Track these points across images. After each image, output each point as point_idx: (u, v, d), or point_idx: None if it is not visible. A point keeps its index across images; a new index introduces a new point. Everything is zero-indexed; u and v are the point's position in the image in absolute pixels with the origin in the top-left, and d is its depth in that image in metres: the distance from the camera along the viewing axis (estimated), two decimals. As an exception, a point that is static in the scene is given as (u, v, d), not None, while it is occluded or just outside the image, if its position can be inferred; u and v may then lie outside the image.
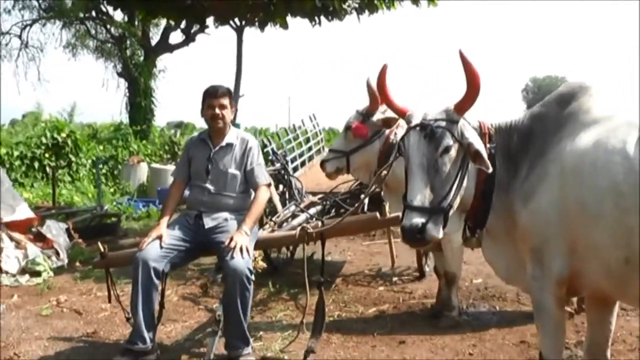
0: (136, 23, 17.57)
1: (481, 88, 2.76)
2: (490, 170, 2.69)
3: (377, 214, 3.93)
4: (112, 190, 12.07)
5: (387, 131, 4.69)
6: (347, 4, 8.31)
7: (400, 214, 3.81)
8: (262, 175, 4.16)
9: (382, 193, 5.07)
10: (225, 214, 4.07)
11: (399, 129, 4.69)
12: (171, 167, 12.80)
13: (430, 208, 2.67)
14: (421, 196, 2.67)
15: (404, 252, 7.69)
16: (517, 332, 4.69)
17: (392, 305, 5.43)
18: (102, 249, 4.24)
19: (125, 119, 16.79)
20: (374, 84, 4.61)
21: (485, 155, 2.71)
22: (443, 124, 2.76)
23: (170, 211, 4.14)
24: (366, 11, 8.71)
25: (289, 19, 8.66)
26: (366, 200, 5.91)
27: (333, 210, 5.93)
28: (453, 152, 2.75)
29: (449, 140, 2.73)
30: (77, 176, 11.78)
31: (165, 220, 4.03)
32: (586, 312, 3.19)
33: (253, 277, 3.77)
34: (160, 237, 3.89)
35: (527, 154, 2.87)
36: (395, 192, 4.78)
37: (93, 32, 18.62)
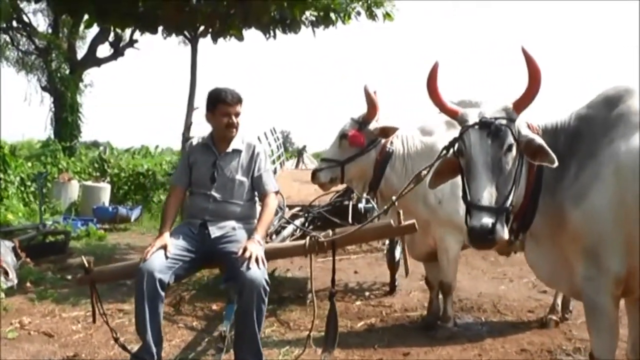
0: (61, 35, 16.88)
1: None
2: (556, 164, 2.65)
3: (392, 222, 3.81)
4: (42, 208, 11.38)
5: (383, 140, 4.60)
6: (304, 16, 8.20)
7: (413, 221, 3.82)
8: (271, 182, 3.97)
9: (376, 202, 4.96)
10: (232, 223, 3.85)
11: (395, 139, 4.62)
12: (104, 185, 12.27)
13: (497, 208, 2.60)
14: (489, 195, 2.60)
15: (365, 267, 7.68)
16: (512, 341, 4.67)
17: (378, 319, 5.32)
18: (85, 264, 3.92)
19: (50, 135, 15.99)
20: (371, 91, 4.54)
21: (549, 149, 2.66)
22: (504, 122, 2.69)
23: (171, 220, 3.87)
24: (322, 25, 8.64)
25: (243, 30, 8.49)
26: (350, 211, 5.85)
27: (318, 222, 5.76)
28: (514, 151, 2.70)
29: (511, 139, 2.68)
30: (6, 194, 11.04)
31: (167, 230, 3.76)
32: (628, 312, 3.17)
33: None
34: (164, 247, 3.61)
35: (574, 154, 2.85)
36: (390, 200, 4.70)
37: (15, 43, 17.68)
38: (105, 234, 9.87)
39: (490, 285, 6.63)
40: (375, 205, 6.15)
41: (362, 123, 4.58)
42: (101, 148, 16.43)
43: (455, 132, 4.77)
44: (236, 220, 3.87)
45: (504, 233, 2.62)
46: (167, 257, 3.58)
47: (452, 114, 2.92)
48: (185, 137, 8.08)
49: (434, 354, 4.38)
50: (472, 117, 2.80)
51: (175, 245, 3.67)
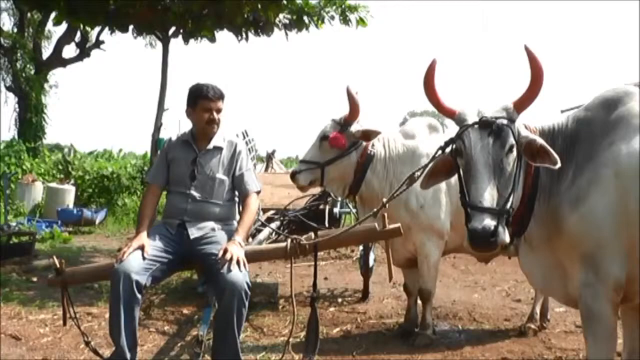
0: (26, 34, 16.43)
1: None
2: (559, 165, 2.55)
3: (376, 225, 3.69)
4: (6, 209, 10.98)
5: (365, 143, 4.48)
6: (277, 19, 8.08)
7: (398, 225, 3.71)
8: (253, 181, 3.81)
9: (356, 205, 4.84)
10: (212, 224, 3.68)
11: (377, 142, 4.50)
12: (69, 187, 11.90)
13: (498, 210, 2.49)
14: (490, 197, 2.48)
15: (335, 274, 7.54)
16: (492, 349, 4.58)
17: (353, 325, 5.18)
18: (57, 264, 3.70)
19: (14, 135, 15.50)
20: (354, 91, 4.41)
21: (551, 150, 2.57)
22: (505, 121, 2.59)
23: (148, 219, 3.67)
24: (295, 29, 8.55)
25: (215, 32, 8.34)
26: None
27: (293, 226, 5.60)
28: (515, 152, 2.60)
29: (512, 139, 2.58)
30: (-37, 194, 10.61)
31: (144, 230, 3.57)
32: (624, 319, 3.09)
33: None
34: (141, 248, 3.42)
35: (572, 157, 2.77)
36: (370, 204, 4.57)
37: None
38: (70, 236, 9.56)
39: (463, 294, 6.54)
40: (352, 209, 6.05)
41: (343, 125, 4.45)
42: (65, 150, 15.95)
43: (437, 135, 4.74)
44: (216, 221, 3.70)
45: (506, 236, 2.51)
46: (144, 258, 3.39)
47: (449, 113, 2.81)
48: (155, 138, 7.88)
49: (414, 361, 4.27)
50: (471, 117, 2.69)
51: (153, 246, 3.48)
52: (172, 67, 8.37)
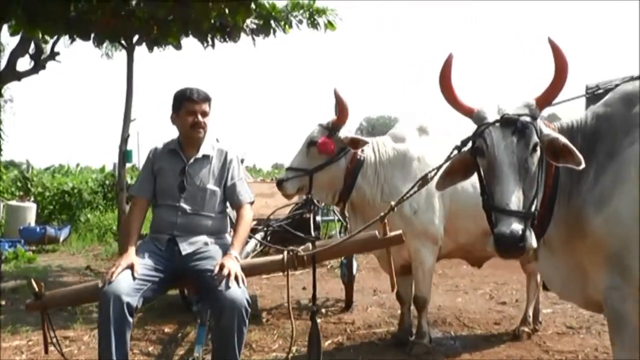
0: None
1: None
2: (583, 165, 2.40)
3: (376, 233, 3.50)
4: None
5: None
6: (245, 24, 7.84)
7: (400, 232, 3.52)
8: (246, 191, 3.57)
9: (347, 212, 4.64)
10: (204, 238, 3.42)
11: (366, 146, 4.32)
12: (29, 205, 11.42)
13: (525, 213, 2.33)
14: (517, 199, 2.32)
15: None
16: (490, 355, 4.45)
17: (344, 336, 4.99)
18: (35, 288, 3.38)
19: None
20: (342, 94, 4.22)
21: (575, 149, 2.42)
22: (528, 119, 2.44)
23: (136, 236, 3.38)
24: (262, 34, 8.31)
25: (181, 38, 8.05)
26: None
27: (276, 236, 5.36)
28: (539, 151, 2.44)
29: (536, 137, 2.42)
30: None
31: (132, 247, 3.28)
32: None
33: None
34: (131, 267, 3.15)
35: (593, 156, 2.62)
36: (361, 211, 4.39)
37: None
38: (34, 255, 9.13)
39: (447, 298, 6.42)
40: (335, 217, 5.85)
41: (331, 129, 4.25)
42: (23, 166, 15.36)
43: (427, 138, 4.58)
44: (208, 234, 3.44)
45: (533, 240, 2.35)
46: (134, 278, 3.11)
47: (466, 111, 2.64)
48: (123, 150, 7.55)
49: (415, 372, 4.09)
50: (491, 115, 2.53)
51: (142, 264, 3.20)
52: (135, 77, 8.04)
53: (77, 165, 19.42)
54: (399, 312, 5.74)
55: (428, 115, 4.90)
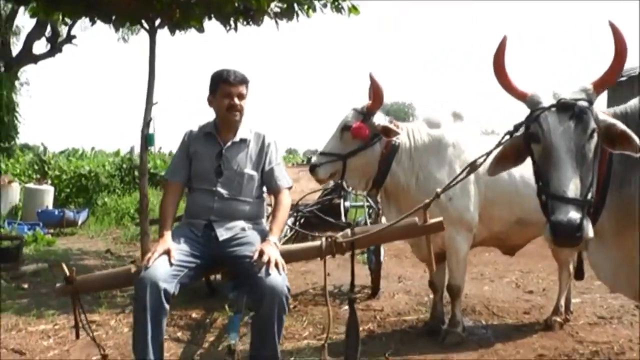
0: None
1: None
2: None
3: (416, 219, 3.39)
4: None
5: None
6: (269, 7, 7.67)
7: (440, 219, 3.42)
8: (284, 176, 3.47)
9: (379, 200, 4.53)
10: (242, 223, 3.32)
11: (400, 131, 4.19)
12: (47, 188, 11.37)
13: (582, 201, 2.21)
14: (574, 186, 2.21)
15: (336, 269, 7.22)
16: (524, 345, 4.34)
17: (374, 324, 4.90)
18: (66, 272, 3.29)
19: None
20: (378, 79, 4.10)
21: (634, 136, 2.29)
22: (585, 104, 2.32)
23: (171, 220, 3.30)
24: (285, 18, 8.14)
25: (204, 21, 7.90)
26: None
27: (302, 221, 5.27)
28: (596, 137, 2.32)
29: (593, 123, 2.30)
30: None
31: (168, 233, 3.20)
32: None
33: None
34: (167, 252, 3.06)
35: None
36: (395, 197, 4.28)
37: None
38: (54, 239, 9.07)
39: (473, 286, 6.29)
40: (365, 203, 5.74)
41: (365, 114, 4.13)
42: (41, 149, 15.33)
43: (461, 124, 4.46)
44: (245, 219, 3.34)
45: (590, 230, 2.23)
46: (171, 264, 3.03)
47: (520, 95, 2.53)
48: (145, 134, 7.43)
49: (451, 361, 4.00)
50: (546, 99, 2.41)
51: (179, 250, 3.11)
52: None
53: (92, 148, 19.40)
54: (426, 299, 5.70)
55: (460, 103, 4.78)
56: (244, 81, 3.35)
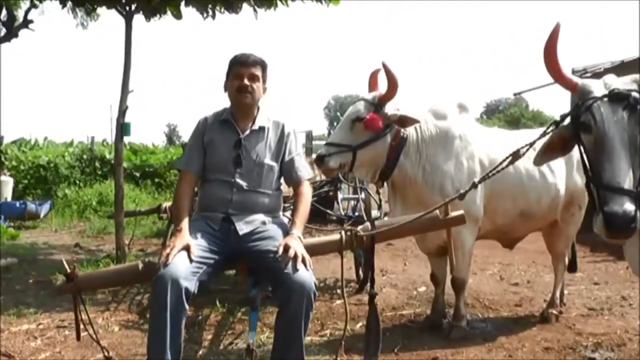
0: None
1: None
2: None
3: (438, 213, 3.27)
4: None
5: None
6: (248, -5, 7.42)
7: (461, 212, 3.31)
8: (304, 167, 3.28)
9: (388, 193, 4.39)
10: (261, 216, 3.12)
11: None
12: (6, 179, 10.85)
13: (637, 192, 2.15)
14: (628, 178, 2.15)
15: (315, 263, 7.06)
16: (526, 338, 4.29)
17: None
18: (67, 269, 3.03)
19: None
20: (392, 68, 3.94)
21: None
22: (637, 95, 2.25)
23: (187, 213, 3.07)
24: (264, 6, 7.90)
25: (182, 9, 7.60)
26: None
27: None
28: None
29: None
30: None
31: (186, 227, 2.97)
32: None
33: (315, 293, 2.89)
34: (187, 248, 2.84)
35: None
36: (402, 190, 4.15)
37: None
38: (17, 232, 8.64)
39: (457, 279, 6.25)
40: (370, 195, 5.57)
41: (377, 105, 3.97)
42: (-7, 138, 14.61)
43: (467, 115, 4.37)
44: (265, 212, 3.14)
45: None
46: (191, 261, 2.82)
47: (570, 85, 2.44)
48: (120, 123, 7.11)
49: (462, 356, 3.91)
50: (597, 89, 2.34)
51: (197, 245, 2.90)
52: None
53: (45, 138, 18.67)
54: (415, 293, 5.61)
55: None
56: (257, 62, 3.15)
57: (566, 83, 2.45)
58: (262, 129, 3.20)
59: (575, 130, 2.41)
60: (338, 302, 5.27)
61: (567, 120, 2.56)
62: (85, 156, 13.40)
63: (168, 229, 7.65)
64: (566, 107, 3.42)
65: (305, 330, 2.85)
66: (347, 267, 5.85)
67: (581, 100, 2.38)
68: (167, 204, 7.29)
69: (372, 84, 4.19)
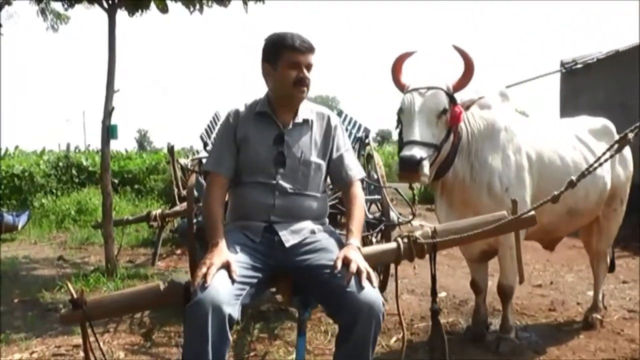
0: None
1: None
2: None
3: (505, 214, 2.78)
4: None
5: None
6: (238, -12, 6.90)
7: (533, 212, 2.83)
8: (356, 165, 2.75)
9: (435, 196, 3.86)
10: (309, 224, 2.58)
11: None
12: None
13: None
14: None
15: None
16: (578, 349, 3.85)
17: (407, 331, 4.24)
18: (73, 294, 2.45)
19: None
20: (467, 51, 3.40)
21: None
22: None
23: (221, 222, 2.52)
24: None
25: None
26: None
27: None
28: None
29: None
30: None
31: (223, 240, 2.41)
32: None
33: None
34: (227, 266, 2.30)
35: None
36: (450, 191, 3.63)
37: None
38: (-5, 246, 7.93)
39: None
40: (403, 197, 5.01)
41: (452, 94, 3.38)
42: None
43: (509, 104, 3.88)
44: (312, 219, 2.61)
45: None
46: (233, 282, 2.27)
47: None
48: (107, 125, 6.49)
49: (520, 373, 3.43)
50: None
51: (237, 262, 2.36)
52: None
53: (16, 147, 17.80)
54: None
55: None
56: (313, 49, 2.59)
57: None
58: (305, 121, 2.66)
59: None
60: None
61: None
62: (61, 164, 12.64)
63: (159, 238, 7.11)
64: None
65: (372, 354, 2.33)
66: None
67: None
68: (156, 212, 6.73)
69: (397, 71, 3.63)
